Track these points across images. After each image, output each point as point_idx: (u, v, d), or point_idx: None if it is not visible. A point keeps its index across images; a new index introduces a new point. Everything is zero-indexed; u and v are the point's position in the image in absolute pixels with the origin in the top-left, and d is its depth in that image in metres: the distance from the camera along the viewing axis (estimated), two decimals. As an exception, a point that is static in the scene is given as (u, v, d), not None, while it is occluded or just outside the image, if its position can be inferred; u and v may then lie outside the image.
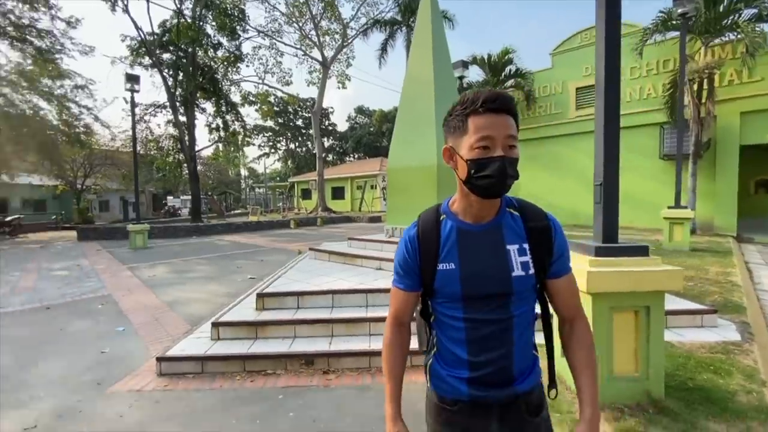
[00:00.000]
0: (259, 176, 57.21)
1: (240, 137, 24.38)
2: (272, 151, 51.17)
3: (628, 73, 13.37)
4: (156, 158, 21.17)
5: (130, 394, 3.07)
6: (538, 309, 1.07)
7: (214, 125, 21.36)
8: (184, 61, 18.87)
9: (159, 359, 3.41)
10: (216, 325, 3.78)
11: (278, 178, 53.90)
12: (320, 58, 25.19)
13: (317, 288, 4.29)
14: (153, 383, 3.24)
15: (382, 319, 3.68)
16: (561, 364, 1.84)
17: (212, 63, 20.12)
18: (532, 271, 0.99)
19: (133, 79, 12.08)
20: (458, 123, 0.95)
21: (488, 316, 0.98)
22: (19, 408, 2.91)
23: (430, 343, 1.11)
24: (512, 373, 0.99)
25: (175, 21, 18.28)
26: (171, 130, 20.18)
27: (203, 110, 21.03)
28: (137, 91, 12.25)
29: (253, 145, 45.53)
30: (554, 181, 15.02)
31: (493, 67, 15.72)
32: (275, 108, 39.89)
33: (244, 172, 59.05)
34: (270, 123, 45.66)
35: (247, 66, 22.90)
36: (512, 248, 0.99)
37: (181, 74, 18.81)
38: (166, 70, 18.67)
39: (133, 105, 12.85)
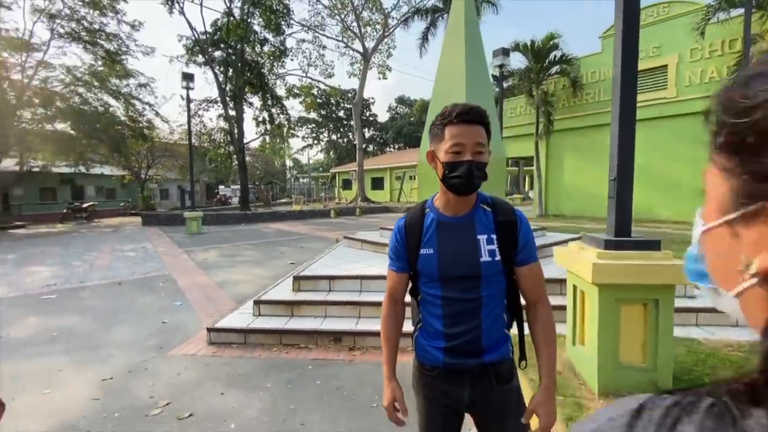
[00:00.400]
0: (303, 167, 59.19)
1: (285, 129, 25.42)
2: (315, 142, 52.64)
3: (688, 56, 12.40)
4: (208, 150, 22.66)
5: (185, 358, 3.59)
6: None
7: (260, 118, 22.44)
8: (234, 57, 19.95)
9: (209, 330, 3.91)
10: (257, 302, 4.23)
11: (321, 169, 55.44)
12: (361, 50, 25.53)
13: (348, 273, 4.62)
14: (204, 350, 3.75)
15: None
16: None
17: (259, 59, 21.07)
18: (498, 257, 1.16)
19: (188, 78, 13.08)
20: (438, 131, 1.14)
21: (461, 295, 1.16)
22: (98, 364, 3.51)
23: (417, 319, 1.30)
24: (481, 346, 1.16)
25: (226, 20, 19.31)
26: (222, 123, 21.50)
27: (251, 104, 22.16)
28: (192, 89, 13.27)
29: (297, 136, 47.17)
30: (602, 172, 14.34)
31: (537, 53, 15.15)
32: (318, 100, 40.95)
33: (289, 162, 61.31)
34: (313, 115, 47.03)
35: (292, 60, 23.88)
36: (482, 238, 1.17)
37: (231, 70, 19.91)
38: (217, 67, 19.86)
39: (189, 101, 13.91)
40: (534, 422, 1.16)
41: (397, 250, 1.27)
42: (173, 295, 5.68)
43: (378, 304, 4.02)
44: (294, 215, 19.32)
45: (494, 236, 1.17)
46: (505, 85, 14.51)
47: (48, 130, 16.97)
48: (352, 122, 40.89)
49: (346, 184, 37.58)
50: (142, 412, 2.71)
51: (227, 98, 20.10)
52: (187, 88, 13.08)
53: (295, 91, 26.50)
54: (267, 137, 26.31)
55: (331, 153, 53.65)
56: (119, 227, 16.92)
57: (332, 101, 47.19)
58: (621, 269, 2.41)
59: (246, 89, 20.62)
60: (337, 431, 2.48)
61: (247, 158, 38.49)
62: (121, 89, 18.89)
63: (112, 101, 18.82)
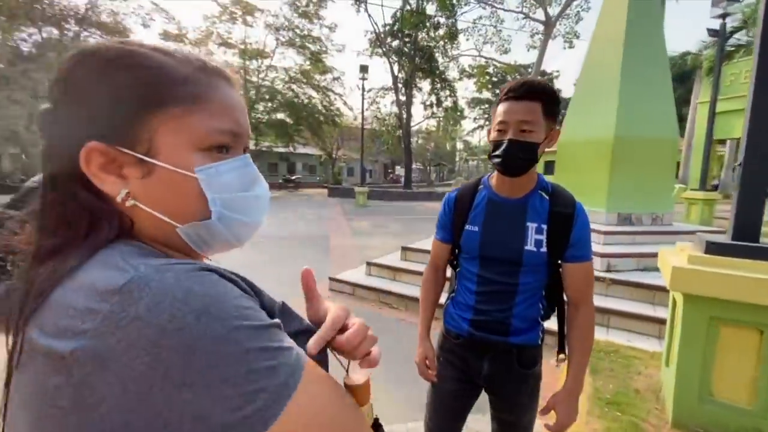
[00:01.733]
0: (473, 148, 58.76)
1: (450, 112, 25.92)
2: (487, 123, 51.26)
3: None
4: (383, 133, 25.31)
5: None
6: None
7: (428, 102, 23.52)
8: (407, 45, 21.39)
9: (330, 279, 4.86)
10: (369, 264, 4.95)
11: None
12: (543, 18, 23.20)
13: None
14: (324, 293, 4.71)
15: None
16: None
17: (430, 44, 21.90)
18: (544, 249, 1.09)
19: (363, 69, 14.97)
20: (494, 108, 1.11)
21: (497, 278, 1.14)
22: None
23: (451, 289, 1.31)
24: (509, 328, 1.14)
25: (401, 11, 20.79)
26: (394, 108, 23.58)
27: (420, 89, 23.43)
28: (366, 79, 15.14)
29: (468, 118, 46.95)
30: None
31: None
32: (493, 78, 39.56)
33: (459, 144, 61.87)
34: (486, 95, 45.77)
35: (467, 39, 23.72)
36: (531, 225, 1.11)
37: (404, 58, 21.47)
38: (393, 56, 21.75)
39: (363, 90, 15.97)
40: (552, 417, 1.14)
41: (444, 221, 1.27)
42: (323, 250, 7.07)
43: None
44: (450, 196, 19.84)
45: (544, 226, 1.10)
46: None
47: (272, 119, 22.37)
48: (527, 101, 37.88)
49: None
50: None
51: (399, 85, 21.86)
52: (363, 79, 15.03)
53: (468, 71, 26.45)
54: (434, 120, 27.42)
55: (504, 134, 51.15)
56: (311, 197, 21.11)
57: (509, 78, 44.72)
58: (721, 280, 1.91)
59: (416, 75, 21.91)
60: (387, 377, 2.90)
61: (420, 141, 41.07)
62: (320, 83, 23.00)
63: (313, 93, 23.18)
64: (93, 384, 0.30)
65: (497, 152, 1.05)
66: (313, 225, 10.32)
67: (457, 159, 61.86)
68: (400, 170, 47.01)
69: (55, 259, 0.37)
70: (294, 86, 22.32)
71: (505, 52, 26.32)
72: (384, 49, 21.39)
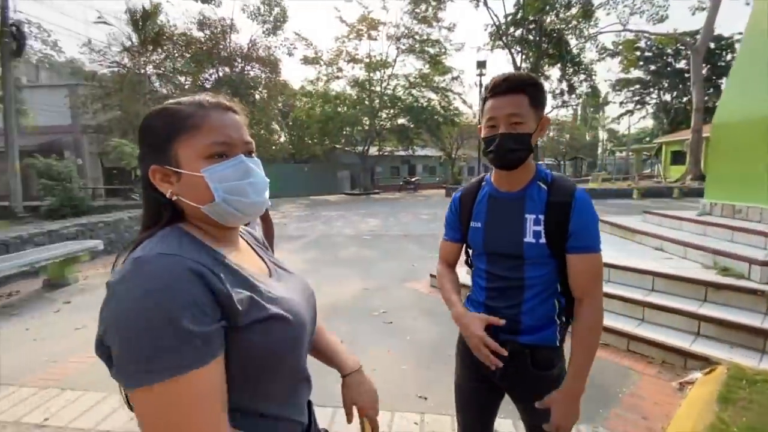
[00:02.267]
0: (621, 138, 50.61)
1: (588, 98, 22.97)
2: (638, 107, 43.38)
3: None
4: (505, 129, 24.01)
5: (411, 290, 4.84)
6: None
7: (558, 90, 21.38)
8: (533, 32, 19.86)
9: (431, 275, 4.98)
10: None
11: (647, 139, 45.46)
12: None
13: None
14: (425, 288, 4.87)
15: (620, 297, 3.46)
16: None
17: (560, 26, 19.87)
18: (543, 240, 1.07)
19: (481, 65, 14.58)
20: (481, 107, 1.13)
21: (504, 273, 1.13)
22: (365, 279, 5.34)
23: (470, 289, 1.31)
24: (519, 326, 1.11)
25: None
26: (518, 101, 22.13)
27: (547, 77, 21.45)
28: (484, 74, 14.71)
29: (612, 103, 40.59)
30: None
31: None
32: (645, 54, 33.40)
33: (603, 134, 54.14)
34: (637, 73, 38.73)
35: (608, 14, 20.73)
36: (529, 217, 1.09)
37: (527, 46, 20.00)
38: (516, 47, 20.49)
39: (481, 87, 15.47)
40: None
41: (451, 220, 1.29)
42: (430, 248, 7.23)
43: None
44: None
45: (542, 217, 1.08)
46: None
47: (393, 125, 23.55)
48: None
49: (677, 158, 29.20)
50: (370, 311, 4.14)
51: (523, 75, 20.44)
52: (480, 75, 14.64)
53: (612, 49, 23.06)
54: (573, 108, 24.72)
55: (663, 118, 42.60)
56: (430, 197, 21.46)
57: (669, 51, 37.02)
58: None
59: (542, 62, 20.15)
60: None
61: (549, 133, 37.44)
62: (439, 84, 23.19)
63: (432, 95, 23.51)
64: (103, 308, 0.54)
65: (491, 147, 1.07)
66: (425, 224, 10.56)
67: (600, 151, 54.25)
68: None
69: (144, 232, 0.66)
70: (414, 91, 23.05)
71: (661, 20, 21.92)
72: (505, 41, 20.35)
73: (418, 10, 21.31)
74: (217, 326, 0.56)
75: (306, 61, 22.36)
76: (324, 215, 13.36)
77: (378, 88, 22.53)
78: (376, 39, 21.99)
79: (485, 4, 19.34)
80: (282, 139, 25.64)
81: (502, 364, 1.08)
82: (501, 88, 1.04)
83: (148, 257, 0.56)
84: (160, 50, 15.46)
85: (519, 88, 1.03)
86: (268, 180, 0.75)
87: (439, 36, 21.91)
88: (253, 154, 0.72)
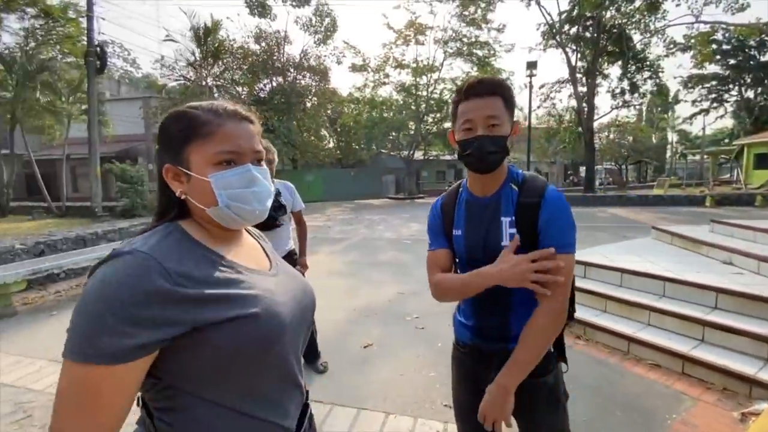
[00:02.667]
0: (694, 140, 46.06)
1: (654, 97, 21.21)
2: (714, 106, 39.12)
3: None
4: (558, 131, 22.88)
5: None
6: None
7: (618, 90, 19.98)
8: (590, 29, 18.76)
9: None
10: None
11: (726, 141, 40.88)
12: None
13: (612, 264, 4.08)
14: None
15: (676, 314, 3.16)
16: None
17: (621, 21, 18.59)
18: (518, 243, 1.04)
19: (531, 66, 14.04)
20: (453, 110, 1.11)
21: None
22: (401, 284, 5.33)
23: None
24: (509, 334, 1.09)
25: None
26: (572, 102, 21.00)
27: (606, 76, 20.12)
28: (535, 75, 14.15)
29: (684, 102, 37.02)
30: None
31: None
32: (724, 46, 30.16)
33: (672, 136, 49.56)
34: (716, 68, 34.93)
35: (677, 5, 18.83)
36: (505, 220, 1.08)
37: (583, 45, 18.90)
38: (571, 45, 19.46)
39: (531, 88, 14.91)
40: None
41: (435, 227, 1.26)
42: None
43: (632, 303, 3.44)
44: (648, 200, 16.23)
45: (514, 218, 1.07)
46: None
47: (439, 128, 23.34)
48: (785, 68, 27.37)
49: (762, 162, 25.83)
50: (404, 315, 4.12)
51: (578, 75, 19.36)
52: (530, 76, 14.08)
53: (683, 43, 21.09)
54: (637, 108, 22.95)
55: (746, 117, 38.00)
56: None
57: (751, 43, 33.05)
58: None
59: (601, 60, 18.95)
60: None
61: (610, 135, 35.01)
62: (487, 87, 22.61)
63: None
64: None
65: (469, 150, 1.05)
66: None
67: (668, 154, 49.82)
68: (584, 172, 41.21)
69: (155, 222, 0.73)
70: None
71: (741, 9, 19.73)
72: (559, 39, 19.39)
73: (466, 13, 20.99)
74: (148, 334, 0.57)
75: (354, 68, 22.89)
76: (367, 219, 13.54)
77: (424, 93, 22.46)
78: (423, 44, 21.98)
79: (537, 2, 18.58)
80: (330, 145, 26.43)
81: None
82: (477, 90, 1.04)
83: (122, 252, 0.61)
84: (220, 63, 16.67)
85: (495, 91, 1.04)
86: (273, 189, 0.78)
87: (488, 38, 21.42)
88: (262, 163, 0.75)
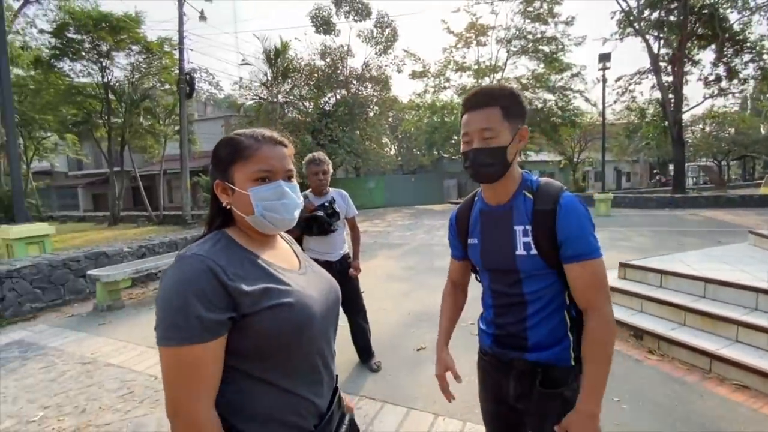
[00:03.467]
0: (817, 128, 38.76)
1: (762, 82, 18.34)
2: None
3: None
4: (640, 126, 20.79)
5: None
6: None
7: (712, 77, 17.63)
8: (675, 12, 16.86)
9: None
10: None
11: None
12: None
13: (691, 272, 3.67)
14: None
15: (761, 328, 2.78)
16: None
17: (710, 0, 16.45)
18: (534, 252, 1.03)
19: (604, 58, 13.06)
20: (459, 122, 1.13)
21: (505, 290, 1.12)
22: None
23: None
24: (526, 343, 1.08)
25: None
26: (656, 94, 18.97)
27: (696, 63, 17.87)
28: (608, 68, 13.08)
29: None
30: None
31: None
32: None
33: (788, 125, 42.21)
34: None
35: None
36: (518, 229, 1.07)
37: (667, 30, 17.02)
38: (652, 32, 17.65)
39: (604, 81, 13.88)
40: None
41: (451, 239, 1.33)
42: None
43: (717, 317, 3.08)
44: (752, 201, 14.09)
45: (529, 227, 1.05)
46: None
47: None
48: None
49: None
50: (459, 321, 4.06)
51: (663, 63, 17.46)
52: (603, 69, 13.04)
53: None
54: (738, 95, 20.10)
55: None
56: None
57: None
58: None
59: (689, 45, 16.89)
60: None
61: (705, 128, 30.89)
62: (555, 83, 21.38)
63: (548, 96, 21.77)
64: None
65: (467, 163, 1.08)
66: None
67: (783, 146, 42.50)
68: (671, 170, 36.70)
69: (206, 228, 0.91)
70: (527, 93, 21.69)
71: None
72: (638, 27, 17.70)
73: (530, 9, 20.12)
74: (220, 316, 0.72)
75: (414, 75, 23.09)
76: (427, 224, 13.53)
77: (486, 95, 21.87)
78: (485, 44, 21.51)
79: (610, -11, 17.17)
80: (391, 152, 26.83)
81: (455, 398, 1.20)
82: (472, 102, 1.05)
83: (185, 256, 0.77)
84: (289, 81, 17.93)
85: (491, 102, 1.03)
86: (301, 201, 0.93)
87: (556, 32, 20.26)
88: (292, 180, 0.90)
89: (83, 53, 13.27)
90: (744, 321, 2.89)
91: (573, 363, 1.07)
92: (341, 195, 3.02)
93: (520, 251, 1.05)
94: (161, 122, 16.07)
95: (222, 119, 21.98)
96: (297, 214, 0.90)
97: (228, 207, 0.86)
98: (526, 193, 1.09)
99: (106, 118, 14.44)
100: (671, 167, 35.85)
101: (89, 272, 5.10)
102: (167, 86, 15.47)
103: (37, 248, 6.15)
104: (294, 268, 0.92)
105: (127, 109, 14.25)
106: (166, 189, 21.42)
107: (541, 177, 1.16)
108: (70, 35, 12.71)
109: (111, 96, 14.30)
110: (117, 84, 14.57)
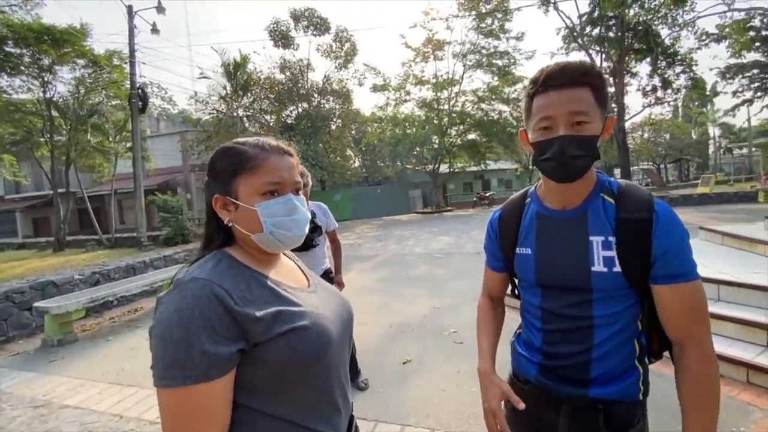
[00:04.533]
0: (737, 132, 43.26)
1: (690, 91, 20.25)
2: (758, 95, 36.68)
3: None
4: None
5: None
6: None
7: (649, 87, 19.26)
8: (613, 29, 18.35)
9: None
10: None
11: (774, 132, 38.16)
12: None
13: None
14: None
15: (736, 319, 2.98)
16: None
17: (645, 17, 18.08)
18: (617, 268, 0.85)
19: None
20: (527, 105, 0.90)
21: (565, 312, 0.91)
22: (435, 298, 5.28)
23: (519, 323, 1.09)
24: (588, 375, 0.89)
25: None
26: (601, 104, 20.38)
27: (634, 74, 19.49)
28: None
29: (724, 93, 35.03)
30: None
31: None
32: (764, 32, 28.50)
33: (714, 130, 46.80)
34: (756, 56, 32.83)
35: (705, -3, 18.10)
36: (596, 240, 0.88)
37: (607, 45, 18.47)
38: (594, 47, 19.06)
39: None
40: None
41: (490, 246, 1.12)
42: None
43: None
44: (693, 200, 15.38)
45: (612, 239, 0.86)
46: None
47: (463, 140, 23.26)
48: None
49: (819, 151, 23.93)
50: (441, 330, 4.09)
51: (605, 76, 18.88)
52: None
53: (717, 34, 20.15)
54: (672, 104, 21.97)
55: (795, 105, 35.31)
56: (507, 211, 20.50)
57: (794, 26, 31.05)
58: None
59: (627, 59, 18.40)
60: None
61: (644, 135, 33.58)
62: (510, 95, 22.46)
63: (503, 107, 22.82)
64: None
65: (547, 155, 0.85)
66: (502, 241, 10.13)
67: (711, 150, 47.07)
68: (618, 174, 39.44)
69: (203, 250, 0.80)
70: (483, 105, 22.62)
71: (778, -9, 18.74)
72: (581, 42, 19.07)
73: (483, 25, 21.14)
74: (228, 348, 0.63)
75: (375, 88, 23.39)
76: (396, 234, 13.58)
77: (446, 107, 22.58)
78: (442, 59, 22.23)
79: (555, 8, 18.44)
80: (356, 164, 26.84)
81: None
82: (559, 79, 0.82)
83: (184, 281, 0.66)
84: (249, 94, 17.55)
85: (582, 80, 0.82)
86: (323, 206, 0.86)
87: (507, 47, 21.42)
88: (300, 192, 0.82)
89: (22, 68, 12.28)
90: (710, 312, 3.08)
91: (641, 397, 0.91)
92: (321, 208, 2.94)
93: (599, 267, 0.86)
94: (111, 139, 15.10)
95: (177, 135, 21.05)
96: (307, 229, 0.82)
97: (229, 224, 0.77)
98: (606, 197, 0.90)
99: (48, 136, 13.36)
100: (616, 171, 38.69)
101: (36, 304, 4.62)
102: (117, 102, 14.61)
103: (-29, 281, 5.50)
104: (303, 287, 0.84)
105: (73, 126, 13.26)
106: (117, 210, 20.07)
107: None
108: (8, 49, 11.75)
109: (54, 113, 13.27)
110: (61, 100, 13.57)
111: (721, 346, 2.83)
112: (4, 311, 4.81)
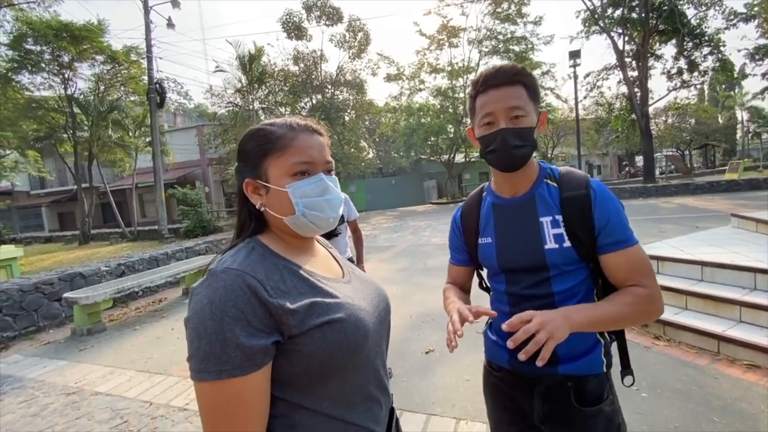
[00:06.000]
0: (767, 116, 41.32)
1: (718, 73, 19.34)
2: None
3: None
4: (608, 121, 21.55)
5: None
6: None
7: (674, 70, 18.48)
8: (636, 9, 17.60)
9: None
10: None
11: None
12: None
13: (688, 257, 3.74)
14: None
15: (763, 307, 2.85)
16: None
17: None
18: (567, 243, 0.93)
19: (574, 55, 13.47)
20: (471, 105, 1.00)
21: (528, 291, 0.97)
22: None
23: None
24: (556, 353, 0.92)
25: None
26: (622, 89, 19.71)
27: (658, 57, 18.70)
28: (579, 65, 13.49)
29: (754, 75, 33.44)
30: None
31: None
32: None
33: (742, 114, 44.84)
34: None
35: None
36: (545, 220, 0.96)
37: (630, 26, 17.74)
38: (616, 29, 18.36)
39: (576, 77, 14.29)
40: None
41: (454, 241, 1.18)
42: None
43: (719, 299, 3.14)
44: (720, 187, 14.78)
45: (559, 217, 0.95)
46: None
47: (479, 129, 22.83)
48: None
49: None
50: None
51: (628, 59, 18.17)
52: (574, 66, 13.45)
53: (745, 12, 19.14)
54: (699, 87, 21.08)
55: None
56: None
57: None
58: None
59: (652, 41, 17.67)
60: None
61: (668, 120, 32.35)
62: (527, 82, 21.88)
63: (521, 95, 22.23)
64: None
65: (492, 147, 0.94)
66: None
67: (739, 135, 45.23)
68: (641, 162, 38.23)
69: (236, 238, 0.77)
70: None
71: (815, -36, 17.61)
72: (603, 24, 18.38)
73: (499, 10, 20.57)
74: (263, 341, 0.61)
75: (389, 78, 23.14)
76: (412, 225, 13.51)
77: (461, 95, 22.17)
78: (457, 46, 21.79)
79: (575, -11, 17.79)
80: (370, 156, 26.75)
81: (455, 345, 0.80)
82: (495, 79, 0.93)
83: (217, 272, 0.64)
84: (264, 87, 17.58)
85: (515, 79, 0.93)
86: (343, 196, 0.81)
87: (525, 32, 20.79)
88: (332, 173, 0.78)
89: (43, 65, 12.58)
90: (746, 301, 2.95)
91: (605, 369, 0.97)
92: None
93: (551, 244, 0.94)
94: (131, 134, 15.40)
95: (194, 129, 21.35)
96: (341, 211, 0.79)
97: (262, 209, 0.73)
98: (549, 181, 0.99)
99: (71, 132, 13.72)
100: (639, 158, 37.44)
101: (65, 295, 4.76)
102: (135, 97, 14.86)
103: (5, 273, 5.72)
104: (338, 277, 0.81)
105: (94, 121, 13.57)
106: (138, 203, 20.57)
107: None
108: (28, 47, 12.04)
109: (75, 109, 13.59)
110: (81, 96, 13.88)
111: (758, 336, 2.71)
112: (35, 302, 4.98)
